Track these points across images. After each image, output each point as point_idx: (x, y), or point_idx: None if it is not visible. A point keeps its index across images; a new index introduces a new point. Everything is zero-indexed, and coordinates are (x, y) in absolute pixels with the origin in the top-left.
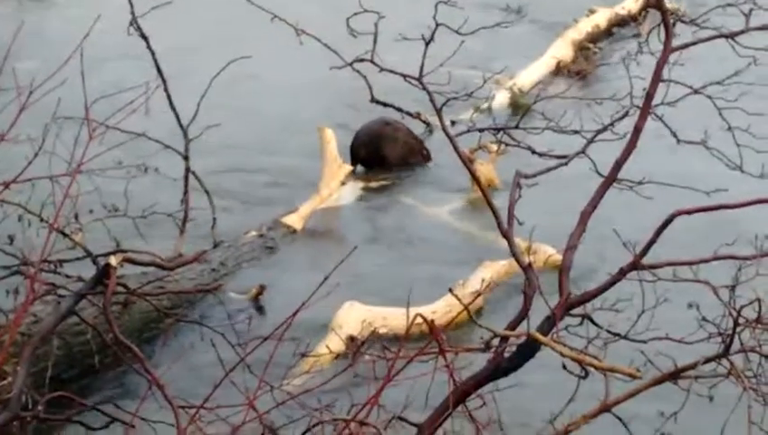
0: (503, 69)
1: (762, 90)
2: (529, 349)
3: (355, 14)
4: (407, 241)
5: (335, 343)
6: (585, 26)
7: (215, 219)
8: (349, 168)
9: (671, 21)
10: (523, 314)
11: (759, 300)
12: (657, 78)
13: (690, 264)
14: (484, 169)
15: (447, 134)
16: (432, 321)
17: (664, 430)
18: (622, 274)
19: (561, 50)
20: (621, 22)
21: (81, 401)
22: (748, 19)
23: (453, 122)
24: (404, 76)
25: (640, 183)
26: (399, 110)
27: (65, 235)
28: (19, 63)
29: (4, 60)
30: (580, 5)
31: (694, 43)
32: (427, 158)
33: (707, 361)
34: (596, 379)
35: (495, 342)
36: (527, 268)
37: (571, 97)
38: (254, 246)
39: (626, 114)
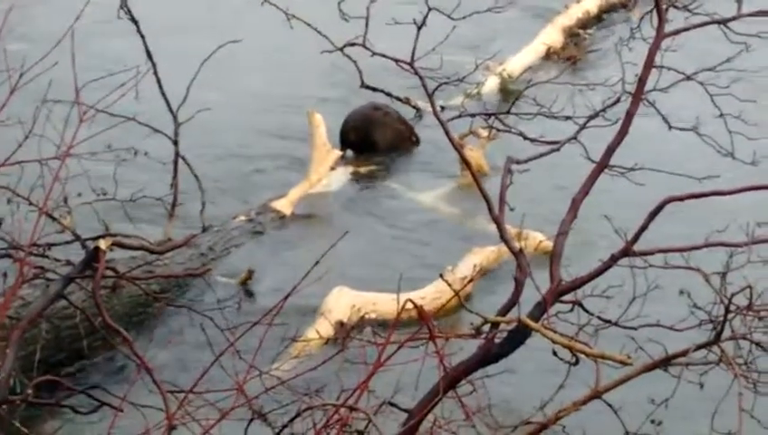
0: (494, 54)
1: (753, 76)
2: (519, 335)
3: None
4: (396, 226)
5: (324, 328)
6: (575, 12)
7: (203, 204)
8: (338, 153)
9: (664, 6)
10: (514, 300)
11: (750, 287)
12: (649, 64)
13: (681, 251)
14: (474, 154)
15: (439, 119)
16: (422, 306)
17: (654, 416)
18: (613, 260)
19: (552, 36)
20: (612, 7)
21: (69, 385)
22: (740, 5)
23: (443, 107)
24: (396, 61)
25: (632, 169)
26: (389, 94)
27: (54, 218)
28: (9, 45)
29: None
30: None
31: (686, 29)
32: (416, 143)
33: (698, 348)
34: (586, 365)
35: (486, 328)
36: (518, 254)
37: (563, 83)
38: (242, 230)
39: (618, 100)
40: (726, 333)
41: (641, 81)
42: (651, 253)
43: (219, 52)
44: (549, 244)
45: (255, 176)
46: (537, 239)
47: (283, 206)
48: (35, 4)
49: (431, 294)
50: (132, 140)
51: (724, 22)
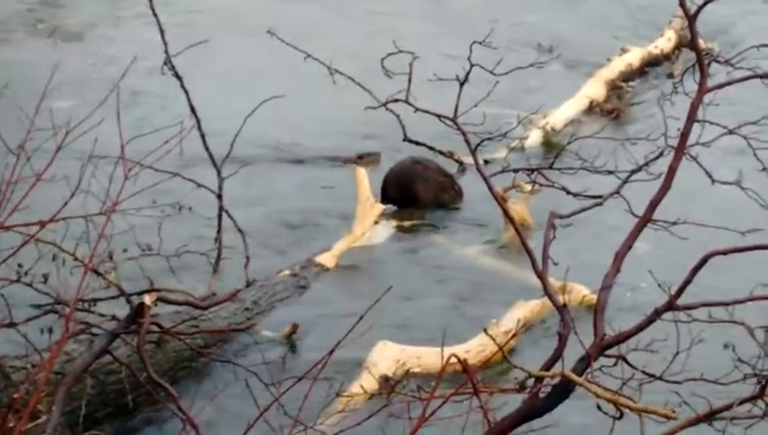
0: (537, 109)
1: None
2: (563, 390)
3: (390, 54)
4: (439, 280)
5: (369, 382)
6: (618, 65)
7: (248, 258)
8: (382, 207)
9: (706, 61)
10: (558, 355)
11: None
12: (691, 118)
13: (725, 304)
14: (517, 208)
15: (482, 174)
16: (466, 360)
17: None
18: (657, 314)
19: (594, 89)
20: (655, 61)
21: None
22: None
23: (486, 161)
24: (438, 116)
25: (675, 223)
26: (432, 149)
27: (99, 274)
28: (55, 103)
29: (40, 99)
30: (613, 45)
31: (729, 84)
32: (459, 195)
33: (743, 402)
34: (630, 420)
35: (530, 382)
36: (562, 308)
37: (606, 137)
38: (286, 284)
39: (661, 154)
40: None
41: (684, 135)
42: (695, 307)
43: (263, 106)
44: (593, 298)
45: (299, 230)
46: (581, 293)
47: (327, 260)
48: (82, 61)
49: (475, 348)
50: (177, 195)
51: (766, 76)
